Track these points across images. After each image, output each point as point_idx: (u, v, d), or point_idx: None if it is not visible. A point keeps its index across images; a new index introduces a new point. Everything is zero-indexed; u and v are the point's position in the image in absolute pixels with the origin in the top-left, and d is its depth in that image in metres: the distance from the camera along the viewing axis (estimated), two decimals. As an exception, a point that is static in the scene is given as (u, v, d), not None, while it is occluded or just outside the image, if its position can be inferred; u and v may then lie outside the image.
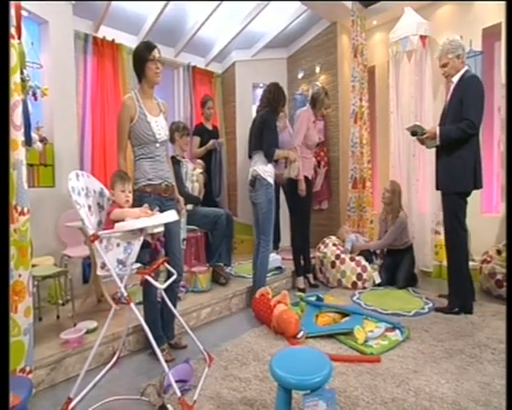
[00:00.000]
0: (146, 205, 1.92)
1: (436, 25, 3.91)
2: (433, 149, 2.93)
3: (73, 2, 3.32)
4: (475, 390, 1.76)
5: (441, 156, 2.79)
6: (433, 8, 3.99)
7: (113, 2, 3.51)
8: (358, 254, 3.62)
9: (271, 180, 2.92)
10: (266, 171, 2.90)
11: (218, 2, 3.82)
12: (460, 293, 2.75)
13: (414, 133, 2.80)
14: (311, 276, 3.67)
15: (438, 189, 2.90)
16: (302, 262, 3.57)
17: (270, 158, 2.91)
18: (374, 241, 3.80)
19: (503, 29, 3.51)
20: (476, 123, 2.56)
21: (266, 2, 4.00)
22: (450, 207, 2.73)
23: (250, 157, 3.04)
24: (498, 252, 3.28)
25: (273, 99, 2.98)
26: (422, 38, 3.73)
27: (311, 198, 3.59)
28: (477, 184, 2.69)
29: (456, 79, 2.74)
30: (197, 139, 4.05)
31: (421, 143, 2.92)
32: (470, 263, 3.53)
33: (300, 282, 3.53)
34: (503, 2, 3.51)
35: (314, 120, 3.48)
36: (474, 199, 3.81)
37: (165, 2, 3.66)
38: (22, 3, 2.46)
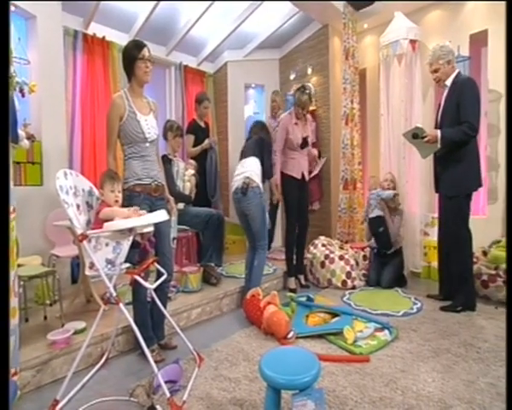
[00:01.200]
0: (136, 207, 1.90)
1: (425, 30, 3.96)
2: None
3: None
4: (460, 388, 1.80)
5: (442, 161, 2.83)
6: (422, 13, 4.05)
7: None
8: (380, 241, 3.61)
9: (261, 186, 2.94)
10: (258, 175, 2.92)
11: (211, 1, 3.81)
12: (465, 292, 2.82)
13: (415, 136, 2.81)
14: (302, 277, 3.68)
15: (437, 191, 2.96)
16: (295, 262, 3.60)
17: (268, 178, 3.09)
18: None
19: (489, 35, 3.60)
20: (476, 125, 2.61)
21: (259, 3, 4.01)
22: (458, 210, 2.77)
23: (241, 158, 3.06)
24: (484, 253, 3.34)
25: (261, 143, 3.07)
26: (412, 42, 3.78)
27: (304, 198, 3.55)
28: (480, 183, 2.77)
29: (449, 82, 2.79)
30: (192, 138, 3.91)
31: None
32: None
33: (292, 282, 3.54)
34: (489, 8, 3.60)
35: (296, 122, 3.45)
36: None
37: (156, 0, 3.64)
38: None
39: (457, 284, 2.85)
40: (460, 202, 2.76)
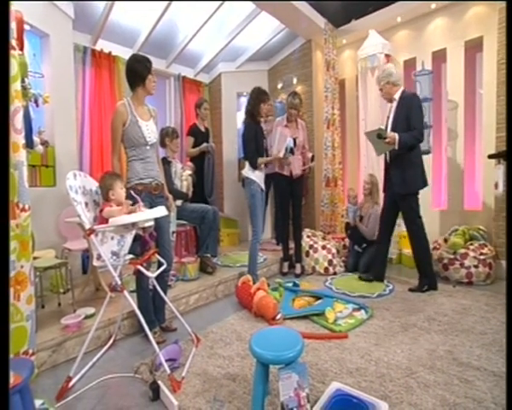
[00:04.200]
0: (128, 201, 1.90)
1: (395, 46, 4.00)
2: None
3: (71, 1, 3.16)
4: (424, 357, 1.84)
5: (393, 163, 2.91)
6: (392, 31, 4.08)
7: (109, 18, 3.43)
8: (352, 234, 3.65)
9: (255, 178, 2.92)
10: (252, 171, 2.93)
11: (207, 17, 3.78)
12: (428, 274, 2.89)
13: (379, 136, 2.84)
14: (298, 266, 3.58)
15: (385, 191, 3.07)
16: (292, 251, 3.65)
17: (254, 166, 2.95)
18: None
19: (447, 53, 3.68)
20: (423, 132, 2.79)
21: (251, 18, 3.98)
22: (410, 206, 2.86)
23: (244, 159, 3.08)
24: (445, 240, 3.40)
25: (251, 107, 2.97)
26: (386, 56, 3.80)
27: (295, 194, 3.52)
28: (425, 183, 2.88)
29: (397, 96, 2.90)
30: (191, 139, 3.85)
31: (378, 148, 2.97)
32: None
33: (284, 266, 3.63)
34: (448, 29, 3.64)
35: (286, 125, 3.48)
36: (426, 196, 3.94)
37: (158, 16, 3.59)
38: (24, 18, 2.36)
39: (422, 268, 2.92)
40: (411, 199, 2.86)
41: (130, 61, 2.11)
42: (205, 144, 3.81)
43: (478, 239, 3.25)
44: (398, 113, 2.87)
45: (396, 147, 2.75)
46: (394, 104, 2.91)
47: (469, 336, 2.05)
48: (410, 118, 2.77)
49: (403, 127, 2.79)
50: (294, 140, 3.44)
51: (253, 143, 2.94)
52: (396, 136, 2.75)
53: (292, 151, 3.32)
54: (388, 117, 2.99)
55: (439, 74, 3.91)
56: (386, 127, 2.94)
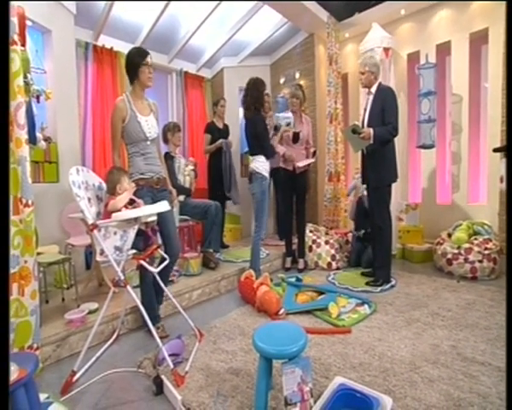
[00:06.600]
0: (132, 184, 1.93)
1: (399, 39, 3.96)
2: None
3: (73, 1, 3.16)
4: (427, 352, 1.83)
5: (368, 157, 2.91)
6: (396, 24, 4.04)
7: (111, 14, 3.41)
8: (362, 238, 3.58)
9: (266, 174, 2.90)
10: (262, 166, 2.89)
11: (209, 12, 3.75)
12: (385, 268, 2.93)
13: (354, 131, 2.82)
14: (302, 261, 3.53)
15: (364, 183, 3.07)
16: (295, 246, 3.63)
17: (271, 156, 2.99)
18: None
19: (452, 45, 3.64)
20: (397, 127, 2.77)
21: (252, 14, 3.95)
22: (383, 199, 2.87)
23: (251, 155, 3.04)
24: (449, 235, 3.38)
25: (254, 99, 2.91)
26: (386, 49, 3.74)
27: (298, 188, 3.48)
28: (397, 177, 2.90)
29: (373, 89, 2.88)
30: (208, 137, 3.91)
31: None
32: (426, 245, 3.65)
33: (287, 262, 3.60)
34: (452, 21, 3.59)
35: None
36: (432, 191, 3.92)
37: (159, 12, 3.57)
38: (26, 14, 2.35)
39: (382, 260, 2.93)
40: (384, 192, 2.86)
41: (128, 53, 2.09)
42: (220, 140, 3.84)
43: (482, 234, 3.22)
44: (374, 106, 2.86)
45: (371, 141, 2.74)
46: (371, 97, 2.90)
47: (474, 331, 2.04)
48: (385, 111, 2.75)
49: (379, 120, 2.79)
50: (298, 134, 3.40)
51: (268, 136, 2.95)
52: (371, 130, 2.73)
53: (289, 125, 3.31)
54: (365, 110, 2.97)
55: (444, 67, 3.86)
56: (363, 120, 2.94)
